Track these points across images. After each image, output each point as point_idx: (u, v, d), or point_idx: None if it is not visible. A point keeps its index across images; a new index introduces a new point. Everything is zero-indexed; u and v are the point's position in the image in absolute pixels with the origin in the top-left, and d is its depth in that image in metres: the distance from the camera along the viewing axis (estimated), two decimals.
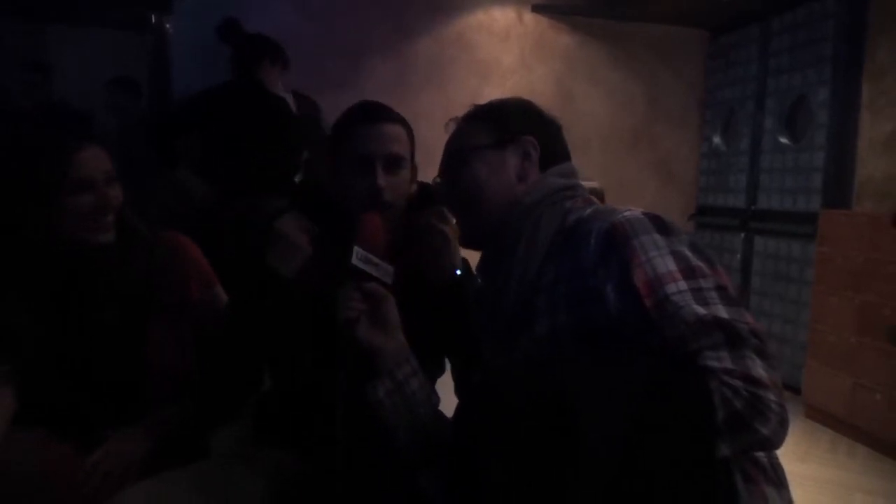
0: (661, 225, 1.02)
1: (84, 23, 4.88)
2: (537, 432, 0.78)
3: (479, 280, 1.25)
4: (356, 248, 1.12)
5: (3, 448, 1.30)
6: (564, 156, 1.26)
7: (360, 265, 1.11)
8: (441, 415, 1.16)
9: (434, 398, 1.15)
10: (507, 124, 1.22)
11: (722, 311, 0.91)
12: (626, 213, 1.04)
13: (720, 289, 0.94)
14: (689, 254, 0.98)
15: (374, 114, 1.39)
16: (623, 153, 5.26)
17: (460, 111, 1.32)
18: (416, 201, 1.45)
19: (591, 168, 4.81)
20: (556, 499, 0.76)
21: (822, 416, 3.60)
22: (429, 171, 1.45)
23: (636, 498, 0.78)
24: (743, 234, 4.75)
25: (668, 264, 0.96)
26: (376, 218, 1.21)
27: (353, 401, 1.13)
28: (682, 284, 0.94)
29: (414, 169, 1.45)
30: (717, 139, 5.16)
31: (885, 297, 3.23)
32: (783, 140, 4.43)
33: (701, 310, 0.91)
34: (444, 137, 1.31)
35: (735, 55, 4.96)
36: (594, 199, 1.21)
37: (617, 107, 5.22)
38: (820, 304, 3.64)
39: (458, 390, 1.37)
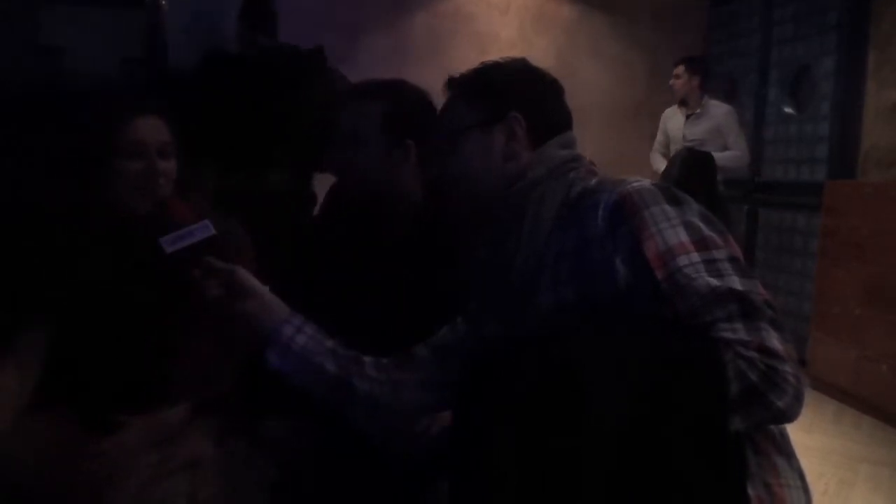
0: (671, 195, 0.99)
1: (78, 2, 4.82)
2: (546, 406, 0.77)
3: (482, 256, 1.22)
4: (159, 241, 1.10)
5: (15, 423, 1.28)
6: (564, 123, 1.18)
7: (174, 248, 1.09)
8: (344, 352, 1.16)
9: (330, 342, 1.15)
10: (495, 99, 1.14)
11: (736, 283, 0.89)
12: (634, 184, 1.01)
13: (733, 260, 0.93)
14: (700, 225, 0.96)
15: None
16: (624, 125, 5.20)
17: None
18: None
19: (591, 141, 4.76)
20: (565, 472, 0.76)
21: (826, 387, 3.59)
22: None
23: (646, 471, 0.77)
24: (747, 206, 4.71)
25: (679, 235, 0.94)
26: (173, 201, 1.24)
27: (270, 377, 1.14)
28: (695, 256, 0.92)
29: (409, 146, 1.50)
30: None
31: (890, 267, 3.20)
32: (787, 110, 4.38)
33: (714, 281, 0.89)
34: None
35: (737, 25, 4.88)
36: (597, 169, 1.17)
37: (618, 79, 5.16)
38: (825, 275, 3.62)
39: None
